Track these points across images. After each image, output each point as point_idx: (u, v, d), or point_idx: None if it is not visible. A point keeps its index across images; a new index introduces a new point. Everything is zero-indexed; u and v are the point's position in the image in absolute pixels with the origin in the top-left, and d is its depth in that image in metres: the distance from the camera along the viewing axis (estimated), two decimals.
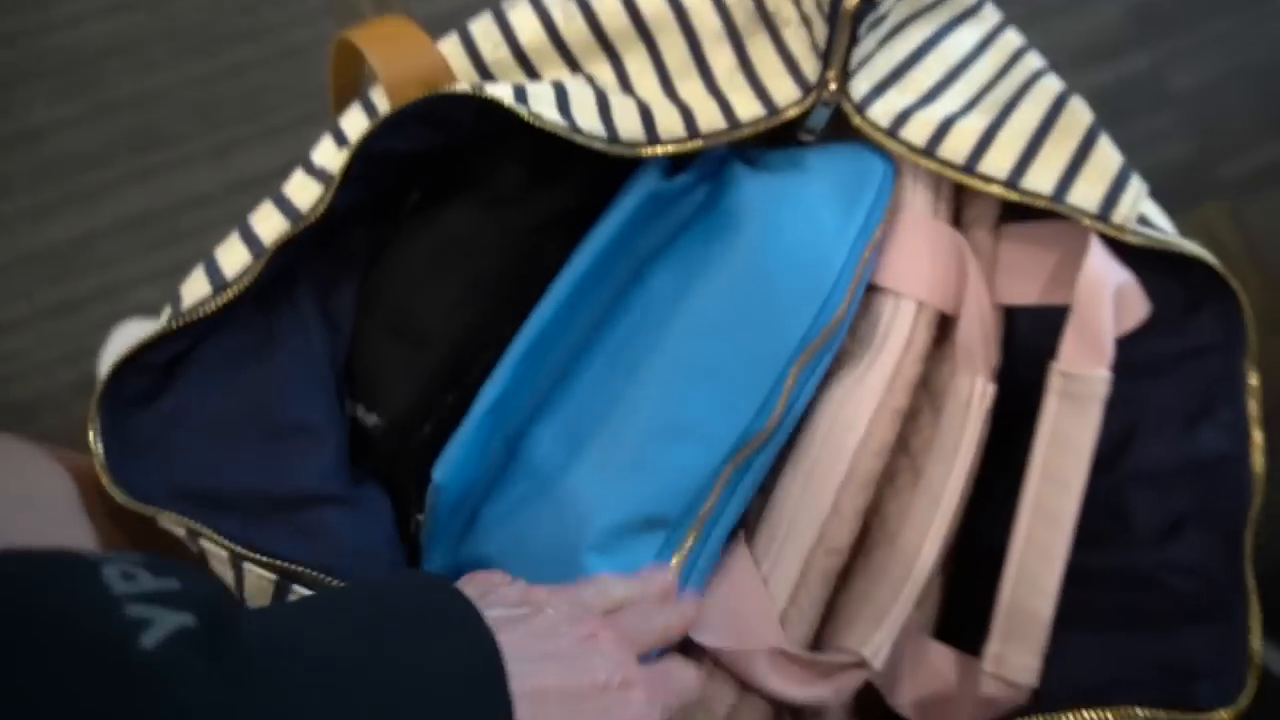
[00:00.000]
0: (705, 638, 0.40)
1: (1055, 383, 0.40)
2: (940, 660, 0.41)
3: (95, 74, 0.77)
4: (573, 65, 0.46)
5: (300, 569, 0.35)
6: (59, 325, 0.73)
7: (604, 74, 0.46)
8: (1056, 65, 0.45)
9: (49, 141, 0.76)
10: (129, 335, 0.68)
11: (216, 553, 0.35)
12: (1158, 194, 0.43)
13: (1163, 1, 0.90)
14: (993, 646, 0.39)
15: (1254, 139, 0.87)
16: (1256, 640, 0.35)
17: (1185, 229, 0.41)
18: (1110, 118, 0.85)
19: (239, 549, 0.35)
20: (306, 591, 0.35)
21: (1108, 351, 0.39)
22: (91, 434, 0.36)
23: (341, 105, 0.45)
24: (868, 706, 0.44)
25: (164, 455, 0.37)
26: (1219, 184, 0.85)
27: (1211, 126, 0.87)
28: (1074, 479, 0.38)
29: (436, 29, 0.43)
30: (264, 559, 0.35)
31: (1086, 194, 0.40)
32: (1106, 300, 0.39)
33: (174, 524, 0.35)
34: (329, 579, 0.36)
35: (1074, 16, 0.87)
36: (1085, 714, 0.34)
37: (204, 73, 0.79)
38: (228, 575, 0.36)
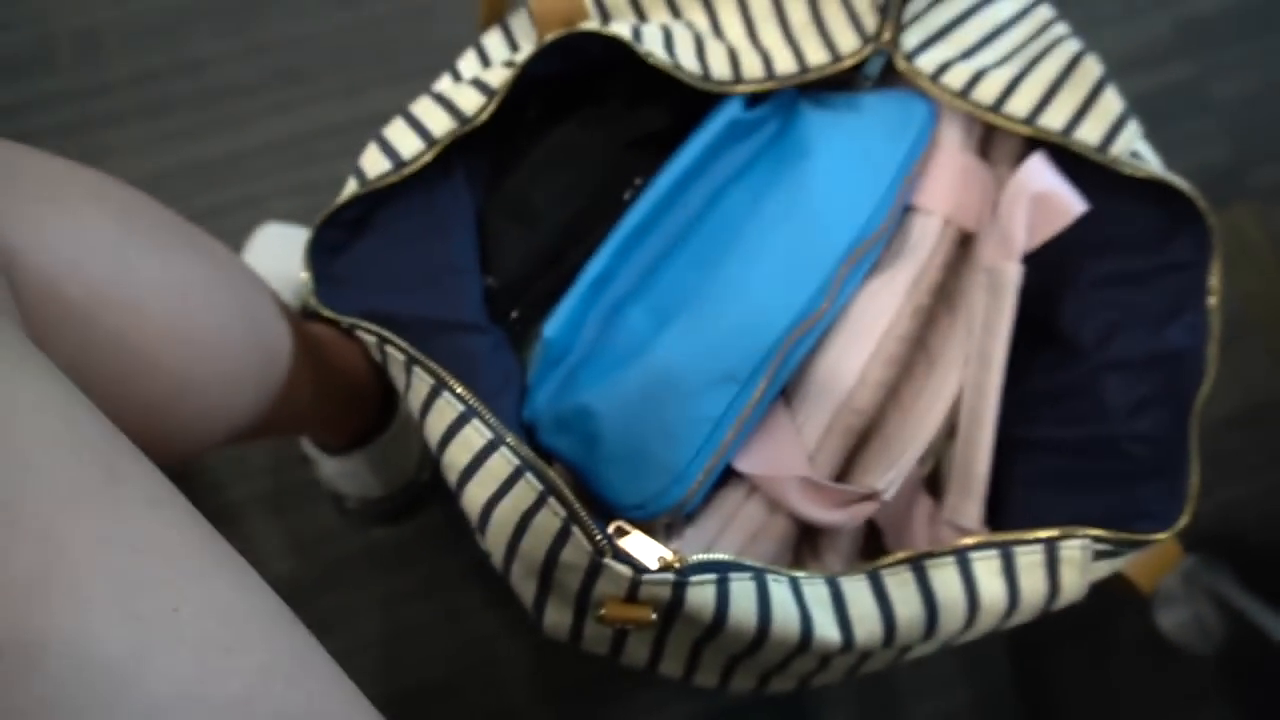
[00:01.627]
0: (746, 466, 0.49)
1: (979, 278, 0.48)
2: (922, 510, 0.50)
3: (253, 15, 0.90)
4: (674, 11, 0.56)
5: (451, 380, 0.44)
6: (207, 225, 0.85)
7: (700, 20, 0.56)
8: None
9: (209, 70, 0.89)
10: (269, 235, 0.80)
11: (396, 357, 0.45)
12: (1195, 187, 0.50)
13: (1211, 16, 0.97)
14: (949, 498, 0.48)
15: None
16: (1193, 487, 0.43)
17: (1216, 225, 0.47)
18: (1152, 120, 0.92)
19: (413, 354, 0.44)
20: (453, 399, 0.43)
21: (1017, 249, 0.47)
22: (304, 270, 0.46)
23: (486, 28, 0.56)
24: (869, 550, 0.53)
25: (357, 286, 0.47)
26: (1250, 188, 0.92)
27: (1248, 134, 0.93)
28: (995, 356, 0.47)
29: None
30: (430, 366, 0.44)
31: (1090, 132, 0.48)
32: (1020, 208, 0.47)
33: (366, 334, 0.45)
34: (470, 393, 0.44)
35: (1125, 26, 0.95)
36: (1037, 534, 0.42)
37: (345, 22, 0.91)
38: (400, 377, 0.46)
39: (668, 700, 0.76)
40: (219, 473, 0.79)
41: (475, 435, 0.43)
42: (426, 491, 0.76)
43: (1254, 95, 0.95)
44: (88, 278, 0.33)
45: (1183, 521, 0.42)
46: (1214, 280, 0.46)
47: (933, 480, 0.54)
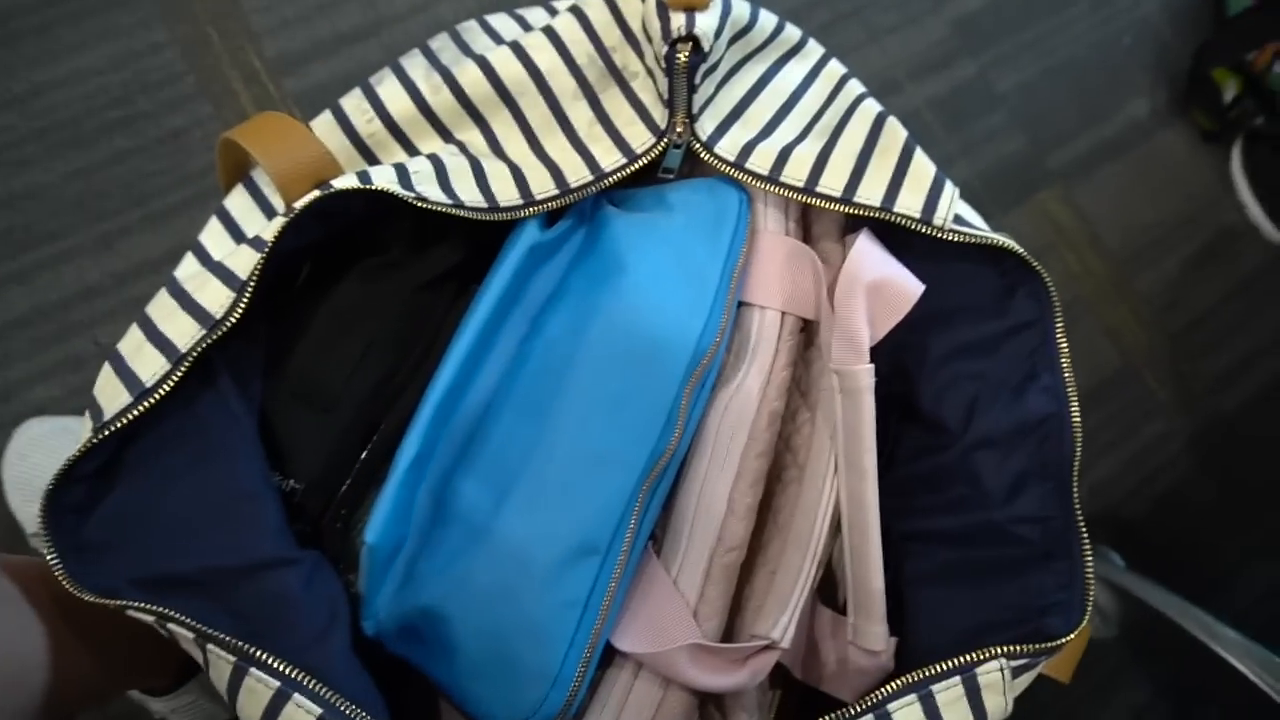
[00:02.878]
0: (628, 645, 0.43)
1: (834, 381, 0.45)
2: (824, 623, 0.46)
3: None
4: (444, 134, 0.49)
5: (256, 652, 0.36)
6: None
7: (475, 140, 0.49)
8: (896, 80, 0.51)
9: None
10: (30, 435, 0.68)
11: (184, 634, 0.37)
12: (998, 185, 0.48)
13: (977, 14, 0.99)
14: (850, 619, 0.44)
15: (1072, 129, 0.97)
16: (1089, 571, 0.41)
17: (1028, 216, 0.46)
18: (949, 121, 0.93)
19: (201, 630, 0.36)
20: (265, 675, 0.36)
21: (863, 347, 0.44)
22: (45, 545, 0.37)
23: (229, 188, 0.48)
24: (774, 677, 0.48)
25: (118, 552, 0.39)
26: (1050, 172, 0.95)
27: (1036, 122, 0.96)
28: (867, 464, 0.44)
29: (306, 105, 0.46)
30: (226, 641, 0.36)
31: (909, 201, 0.45)
32: (859, 302, 0.44)
33: (141, 613, 0.37)
34: (283, 662, 0.36)
35: (905, 34, 0.96)
36: (950, 663, 0.39)
37: (81, 165, 0.79)
38: (196, 654, 0.37)
39: None
40: None
41: (301, 716, 0.35)
42: None
43: (1032, 83, 0.98)
44: None
45: (1089, 610, 0.40)
46: (1061, 337, 0.44)
47: (826, 579, 0.50)
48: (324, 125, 0.47)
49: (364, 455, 0.47)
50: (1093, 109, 0.99)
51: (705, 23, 0.45)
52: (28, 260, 0.76)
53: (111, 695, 0.53)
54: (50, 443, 0.68)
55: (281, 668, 0.36)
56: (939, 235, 0.45)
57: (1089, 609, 0.40)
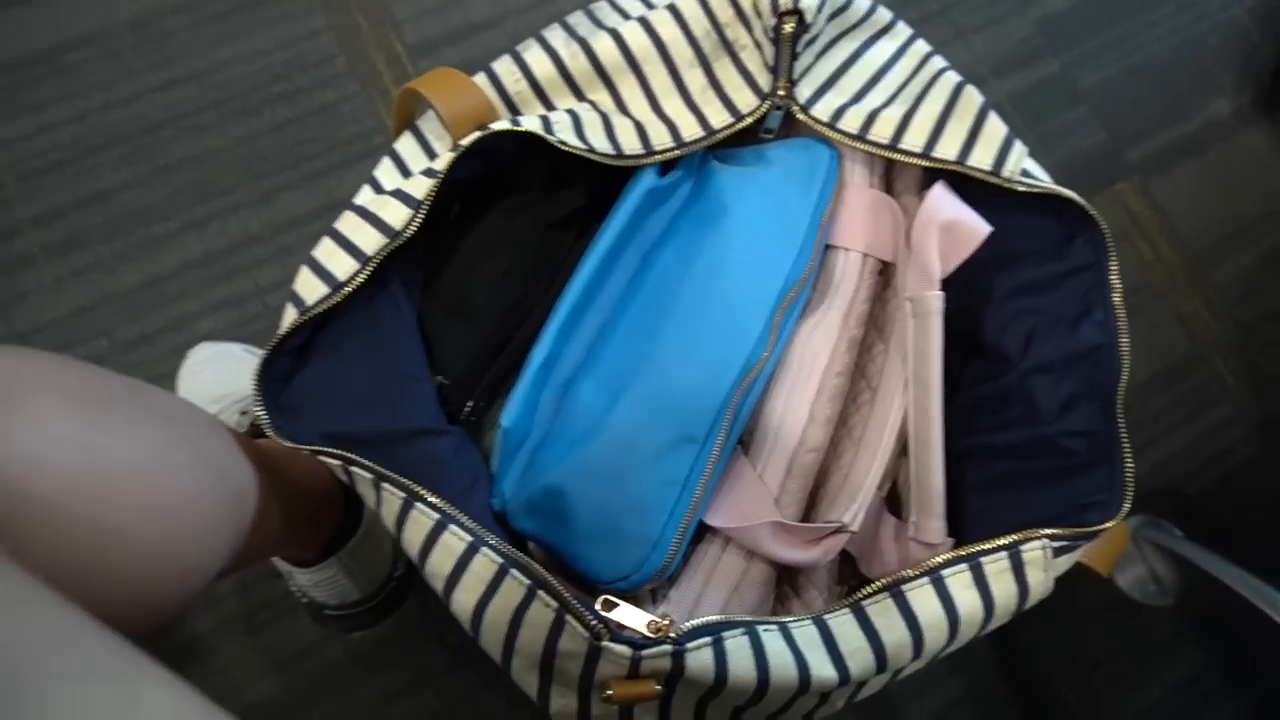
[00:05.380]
0: (718, 520, 0.51)
1: (905, 307, 0.52)
2: (888, 530, 0.52)
3: (153, 141, 0.90)
4: (578, 94, 0.58)
5: (421, 490, 0.45)
6: (136, 355, 0.84)
7: (604, 99, 0.58)
8: (980, 76, 0.57)
9: (115, 200, 0.88)
10: (203, 356, 0.79)
11: (362, 476, 0.45)
12: (1075, 176, 0.54)
13: (1064, 15, 1.04)
14: (911, 517, 0.51)
15: (1153, 126, 1.01)
16: (1130, 471, 0.46)
17: (1103, 205, 0.52)
18: (1031, 116, 0.98)
19: (379, 471, 0.45)
20: (427, 509, 0.44)
21: (935, 277, 0.50)
22: (257, 404, 0.46)
23: (398, 134, 0.57)
24: (844, 576, 0.55)
25: (311, 412, 0.48)
26: (1128, 165, 0.99)
27: (1116, 117, 1.00)
28: (933, 379, 0.50)
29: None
30: (398, 480, 0.45)
31: (982, 157, 0.52)
32: (932, 238, 0.51)
33: (329, 459, 0.46)
34: (442, 499, 0.45)
35: (991, 33, 1.01)
36: (999, 541, 0.45)
37: (246, 132, 0.91)
38: (370, 495, 0.46)
39: None
40: None
41: (455, 541, 0.43)
42: (404, 585, 0.75)
43: (1114, 80, 1.02)
44: (54, 473, 0.34)
45: (1126, 507, 0.45)
46: (1115, 278, 0.49)
47: (892, 498, 0.57)
48: (480, 83, 0.56)
49: (499, 359, 0.56)
50: (1175, 107, 1.03)
51: None
52: (202, 211, 0.88)
53: (272, 552, 0.62)
54: (217, 363, 0.79)
55: (440, 504, 0.44)
56: (1007, 186, 0.51)
57: (1126, 506, 0.46)
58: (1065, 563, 0.46)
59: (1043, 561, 0.44)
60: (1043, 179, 0.53)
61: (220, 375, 0.78)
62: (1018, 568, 0.44)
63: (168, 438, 0.41)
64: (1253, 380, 0.94)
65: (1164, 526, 0.84)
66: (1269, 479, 0.89)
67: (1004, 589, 0.44)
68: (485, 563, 0.43)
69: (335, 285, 0.49)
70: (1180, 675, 0.86)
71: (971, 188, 0.53)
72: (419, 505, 0.44)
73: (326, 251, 0.51)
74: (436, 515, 0.44)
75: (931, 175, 0.56)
